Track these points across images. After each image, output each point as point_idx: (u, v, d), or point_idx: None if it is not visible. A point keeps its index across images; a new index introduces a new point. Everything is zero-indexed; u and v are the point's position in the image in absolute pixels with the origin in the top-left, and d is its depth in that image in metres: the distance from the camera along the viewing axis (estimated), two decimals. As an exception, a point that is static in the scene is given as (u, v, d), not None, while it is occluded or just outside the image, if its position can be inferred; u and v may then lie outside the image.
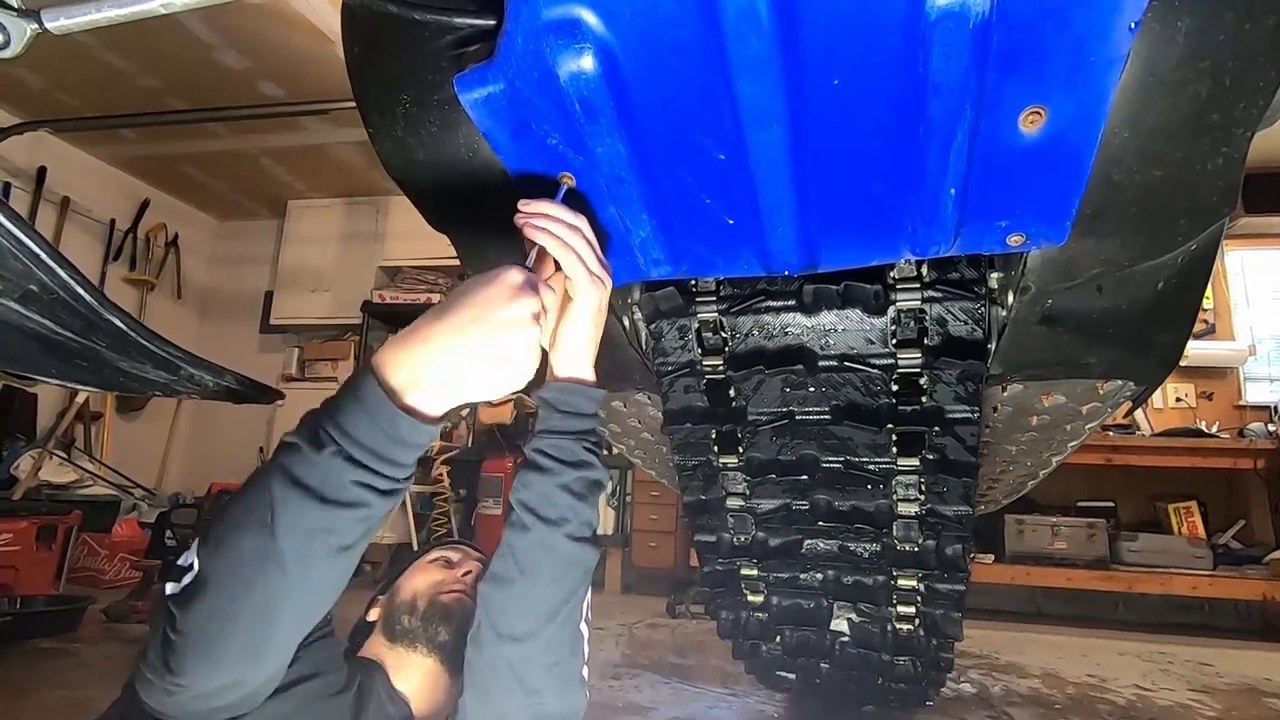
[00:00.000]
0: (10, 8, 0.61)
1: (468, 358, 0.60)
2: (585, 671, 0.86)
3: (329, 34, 3.33)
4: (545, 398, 0.80)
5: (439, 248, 4.81)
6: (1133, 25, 0.57)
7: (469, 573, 1.11)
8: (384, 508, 0.61)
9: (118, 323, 0.61)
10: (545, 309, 0.63)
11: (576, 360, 0.80)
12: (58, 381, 0.76)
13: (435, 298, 4.94)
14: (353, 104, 0.87)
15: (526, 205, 0.72)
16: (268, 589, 0.58)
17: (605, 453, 0.91)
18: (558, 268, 0.75)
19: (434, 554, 1.16)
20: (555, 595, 0.79)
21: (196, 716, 0.64)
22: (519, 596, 0.79)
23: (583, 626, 0.85)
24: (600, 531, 3.88)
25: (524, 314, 0.61)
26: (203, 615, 0.58)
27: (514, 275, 0.63)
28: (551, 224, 0.72)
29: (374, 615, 1.12)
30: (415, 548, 3.48)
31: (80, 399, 4.36)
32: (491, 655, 0.81)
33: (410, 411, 0.60)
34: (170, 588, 0.60)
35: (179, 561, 0.61)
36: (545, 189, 0.78)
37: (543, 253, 0.72)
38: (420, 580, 1.09)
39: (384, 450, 0.60)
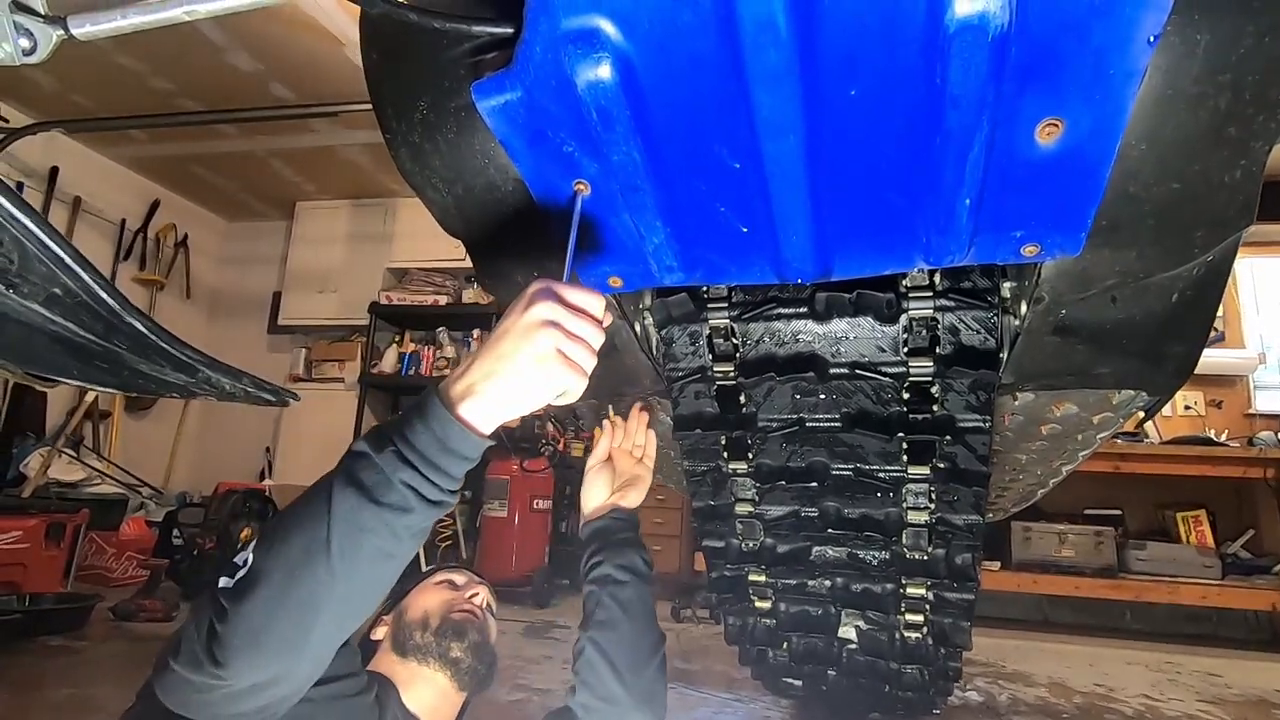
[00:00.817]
0: (38, 14, 0.61)
1: (508, 376, 0.64)
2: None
3: (339, 37, 3.35)
4: (620, 516, 1.12)
5: (446, 249, 4.83)
6: (1152, 39, 0.57)
7: (475, 595, 1.17)
8: (426, 517, 0.64)
9: (139, 326, 0.61)
10: (577, 334, 0.64)
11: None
12: (79, 383, 0.77)
13: (442, 300, 4.96)
14: (362, 106, 0.88)
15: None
16: (314, 583, 0.61)
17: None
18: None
19: (439, 576, 1.21)
20: (652, 634, 1.05)
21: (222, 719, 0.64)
22: (628, 634, 1.02)
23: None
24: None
25: (547, 349, 0.63)
26: (251, 606, 0.60)
27: (537, 311, 0.64)
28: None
29: (380, 634, 1.14)
30: (420, 551, 3.49)
31: (89, 398, 4.38)
32: (611, 690, 0.99)
33: (462, 423, 0.64)
34: (223, 581, 0.63)
35: (235, 559, 0.64)
36: (560, 196, 0.79)
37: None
38: (429, 599, 1.14)
39: (431, 455, 0.63)
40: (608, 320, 0.70)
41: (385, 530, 0.62)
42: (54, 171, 4.39)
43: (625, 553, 1.07)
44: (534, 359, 0.63)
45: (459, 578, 1.21)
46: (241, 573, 0.62)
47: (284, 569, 0.61)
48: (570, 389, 0.66)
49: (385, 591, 0.67)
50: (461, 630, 1.09)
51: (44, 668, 2.32)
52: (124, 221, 4.90)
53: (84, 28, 0.64)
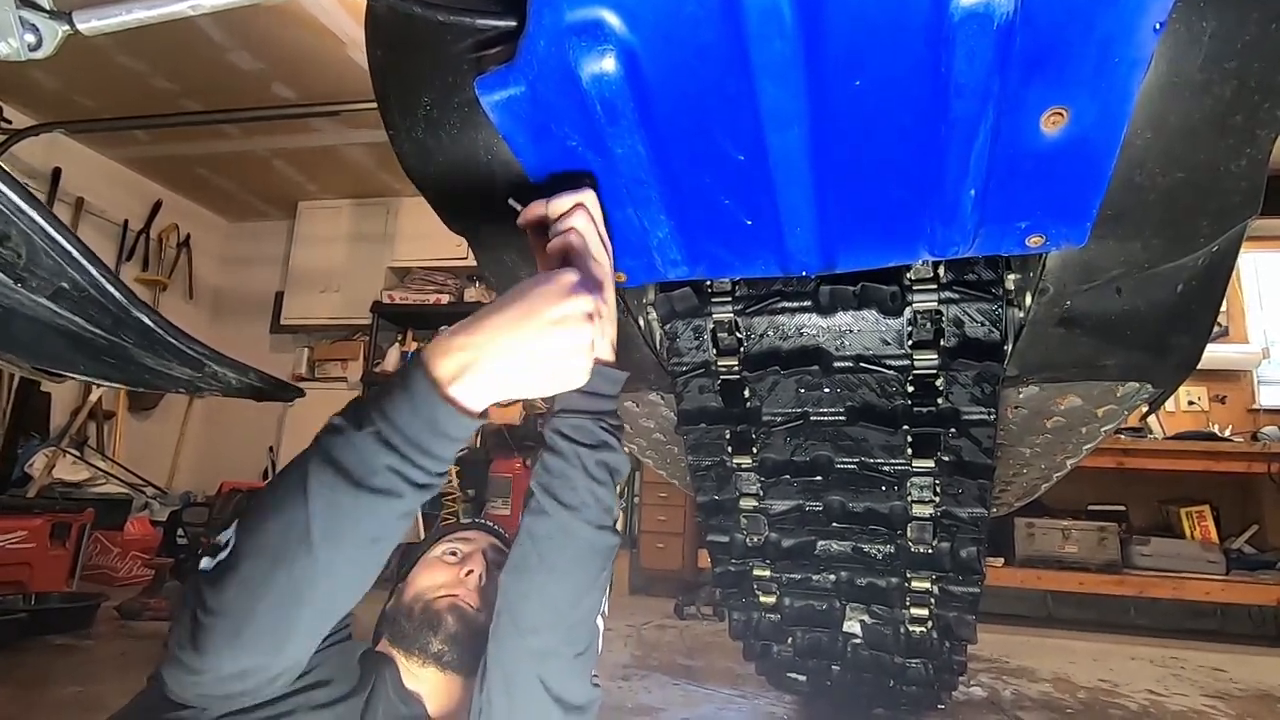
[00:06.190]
0: (43, 9, 0.62)
1: (518, 353, 0.61)
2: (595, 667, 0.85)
3: (341, 36, 3.35)
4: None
5: (448, 248, 4.84)
6: (1157, 26, 0.57)
7: (471, 571, 1.05)
8: (415, 501, 0.61)
9: (146, 320, 0.61)
10: (601, 313, 0.64)
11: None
12: (86, 378, 0.77)
13: (444, 298, 4.96)
14: (363, 105, 0.88)
15: (555, 212, 0.74)
16: (295, 569, 0.58)
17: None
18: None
19: (442, 546, 1.10)
20: (576, 584, 0.78)
21: (214, 700, 0.64)
22: (539, 586, 0.77)
23: (599, 620, 0.84)
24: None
25: (577, 311, 0.62)
26: (232, 592, 0.58)
27: (569, 275, 0.64)
28: (573, 220, 0.73)
29: (391, 606, 1.10)
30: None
31: (94, 397, 4.40)
32: (512, 647, 0.79)
33: (452, 403, 0.60)
34: (205, 563, 0.61)
35: (217, 539, 0.61)
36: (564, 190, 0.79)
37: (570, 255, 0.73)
38: (424, 579, 1.05)
39: (421, 439, 0.59)
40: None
41: (370, 516, 0.59)
42: (57, 172, 4.40)
43: (566, 459, 0.77)
44: (569, 352, 0.62)
45: (464, 545, 1.08)
46: (223, 555, 0.60)
47: (265, 556, 0.58)
48: (576, 381, 0.65)
49: (375, 574, 0.63)
50: (438, 622, 0.98)
51: (50, 666, 2.33)
52: (126, 222, 4.91)
53: (90, 23, 0.64)
